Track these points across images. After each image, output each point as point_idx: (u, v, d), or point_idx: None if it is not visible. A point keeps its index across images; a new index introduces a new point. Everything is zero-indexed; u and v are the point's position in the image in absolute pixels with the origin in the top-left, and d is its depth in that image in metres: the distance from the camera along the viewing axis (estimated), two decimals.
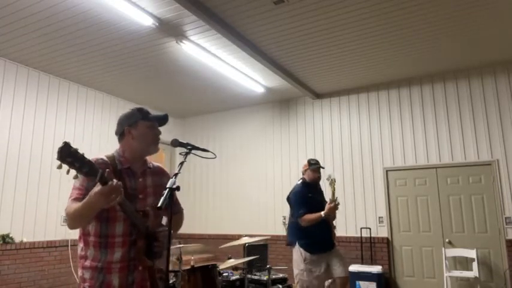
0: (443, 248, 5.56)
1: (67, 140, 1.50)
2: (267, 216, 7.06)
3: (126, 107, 7.73)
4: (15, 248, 5.06)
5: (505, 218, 5.30)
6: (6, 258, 4.95)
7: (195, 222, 7.87)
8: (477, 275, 5.22)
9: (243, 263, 4.22)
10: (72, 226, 1.74)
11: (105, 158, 1.86)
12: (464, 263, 5.50)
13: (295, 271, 3.88)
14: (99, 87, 6.46)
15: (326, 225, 3.88)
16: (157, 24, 4.34)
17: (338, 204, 3.82)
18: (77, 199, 1.71)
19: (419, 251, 5.83)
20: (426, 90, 6.11)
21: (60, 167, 1.50)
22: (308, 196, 3.92)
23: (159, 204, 1.76)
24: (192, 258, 3.93)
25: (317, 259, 3.83)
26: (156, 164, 2.08)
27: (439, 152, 5.86)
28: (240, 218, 7.34)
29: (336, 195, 3.80)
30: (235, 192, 7.54)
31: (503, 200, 5.35)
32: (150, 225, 1.85)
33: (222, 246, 4.12)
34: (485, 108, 5.65)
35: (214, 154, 2.42)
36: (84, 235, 1.81)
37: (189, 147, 2.08)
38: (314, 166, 3.98)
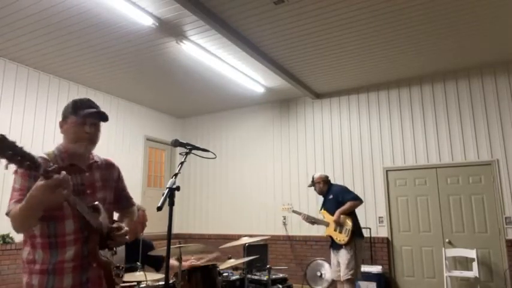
0: (443, 248, 5.56)
1: (3, 133, 1.33)
2: (267, 216, 7.06)
3: (127, 107, 7.63)
4: (15, 248, 5.06)
5: (505, 218, 5.30)
6: (6, 258, 4.95)
7: (195, 222, 7.87)
8: (477, 275, 5.22)
9: (243, 263, 4.22)
10: (19, 229, 1.60)
11: (44, 155, 1.72)
12: (464, 263, 5.50)
13: None
14: (99, 87, 6.46)
15: (330, 227, 4.61)
16: (157, 24, 4.34)
17: (302, 216, 4.79)
18: (19, 201, 1.57)
19: (419, 251, 5.83)
20: (426, 90, 6.11)
21: (6, 167, 1.35)
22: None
23: (158, 205, 1.75)
24: (192, 258, 3.93)
25: (331, 254, 4.67)
26: (104, 157, 1.96)
27: (439, 152, 5.86)
28: (240, 218, 7.34)
29: (298, 212, 4.92)
30: (235, 192, 7.54)
31: (503, 200, 5.35)
32: (102, 220, 1.75)
33: (222, 246, 4.11)
34: (485, 108, 5.65)
35: (215, 154, 2.43)
36: (30, 237, 1.69)
37: (189, 147, 2.08)
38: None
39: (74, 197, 1.62)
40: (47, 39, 4.78)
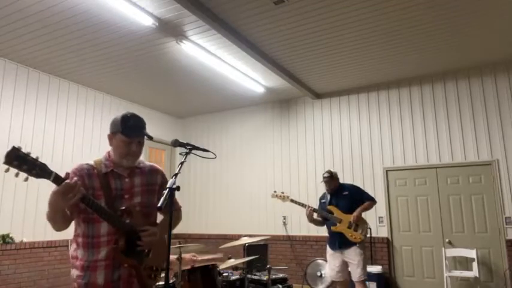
0: (443, 248, 5.56)
1: (17, 145, 1.55)
2: (267, 216, 7.06)
3: (127, 107, 7.67)
4: (15, 248, 5.06)
5: (505, 218, 5.30)
6: (6, 258, 4.95)
7: (195, 222, 7.87)
8: (477, 275, 5.22)
9: (243, 263, 4.22)
10: (53, 228, 1.82)
11: (91, 162, 1.95)
12: (464, 263, 5.50)
13: None
14: (99, 87, 6.46)
15: (343, 224, 4.36)
16: (157, 24, 4.34)
17: (307, 208, 4.35)
18: None
19: (419, 251, 5.83)
20: (426, 90, 6.11)
21: (7, 170, 1.56)
22: (321, 201, 4.67)
23: (159, 204, 1.76)
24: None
25: (332, 254, 4.41)
26: (149, 163, 2.11)
27: (439, 152, 5.86)
28: (240, 218, 7.34)
29: (300, 203, 4.45)
30: (235, 192, 7.54)
31: (503, 200, 5.35)
32: (135, 223, 1.88)
33: (222, 246, 4.11)
34: (485, 108, 5.65)
35: (214, 154, 2.43)
36: (76, 236, 1.90)
37: (189, 147, 2.08)
38: (322, 181, 4.56)
39: (95, 201, 1.76)
40: (47, 39, 4.78)
